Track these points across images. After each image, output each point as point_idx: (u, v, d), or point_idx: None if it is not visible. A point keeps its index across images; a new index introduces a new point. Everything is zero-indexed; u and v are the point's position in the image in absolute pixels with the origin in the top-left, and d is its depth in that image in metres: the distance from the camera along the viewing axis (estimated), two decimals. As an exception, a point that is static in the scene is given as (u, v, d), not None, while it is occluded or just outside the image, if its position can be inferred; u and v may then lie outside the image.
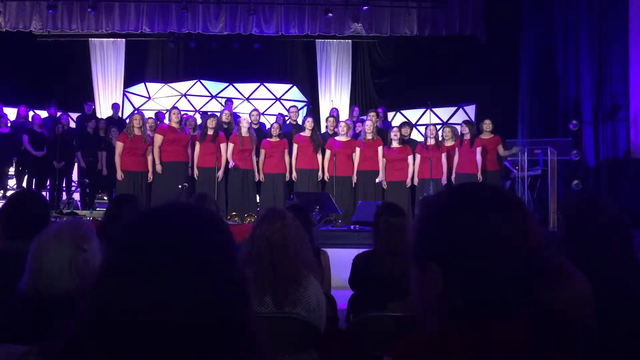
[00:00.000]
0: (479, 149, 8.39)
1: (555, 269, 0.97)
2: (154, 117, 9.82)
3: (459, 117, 11.36)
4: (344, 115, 11.56)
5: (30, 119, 10.22)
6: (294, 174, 8.55)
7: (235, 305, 0.91)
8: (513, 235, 0.95)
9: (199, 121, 9.71)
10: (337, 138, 8.67)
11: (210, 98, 12.70)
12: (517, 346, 0.92)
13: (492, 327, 0.94)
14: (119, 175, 8.22)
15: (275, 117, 10.70)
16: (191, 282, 0.87)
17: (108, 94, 13.07)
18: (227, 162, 8.44)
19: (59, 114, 10.64)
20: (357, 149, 8.58)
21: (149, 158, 8.34)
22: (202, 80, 12.83)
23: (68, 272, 1.80)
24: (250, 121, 8.80)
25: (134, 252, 0.89)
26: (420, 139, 9.96)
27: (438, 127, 9.36)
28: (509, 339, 0.92)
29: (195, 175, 8.39)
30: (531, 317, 0.94)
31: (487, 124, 8.64)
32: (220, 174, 8.40)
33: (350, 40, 13.33)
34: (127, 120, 9.00)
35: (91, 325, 0.87)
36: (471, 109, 11.74)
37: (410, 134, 9.53)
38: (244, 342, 0.90)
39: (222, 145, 8.47)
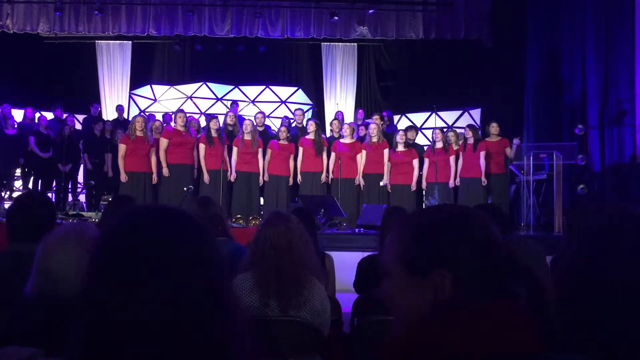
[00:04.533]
0: (482, 153, 8.39)
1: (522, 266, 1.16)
2: (160, 119, 9.86)
3: (465, 120, 11.35)
4: (349, 118, 11.56)
5: (36, 121, 10.26)
6: (299, 177, 8.56)
7: (213, 317, 0.91)
8: (496, 238, 1.14)
9: (202, 123, 9.73)
10: (341, 140, 8.68)
11: (215, 100, 12.72)
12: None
13: (494, 311, 1.05)
14: (123, 177, 8.25)
15: (280, 119, 10.72)
16: (161, 294, 0.88)
17: (114, 96, 13.11)
18: (232, 166, 8.48)
19: (65, 115, 10.67)
20: (363, 152, 8.59)
21: (153, 159, 8.37)
22: (207, 83, 12.85)
23: (76, 274, 1.80)
24: (255, 124, 8.81)
25: (105, 261, 0.92)
26: (425, 142, 9.96)
27: (444, 130, 9.35)
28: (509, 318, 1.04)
29: (206, 180, 8.40)
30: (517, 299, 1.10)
31: (494, 127, 8.63)
32: (229, 175, 8.44)
33: (355, 44, 13.33)
34: (130, 123, 9.03)
35: (90, 334, 0.88)
36: (477, 113, 11.72)
37: (415, 138, 9.52)
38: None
39: (227, 148, 8.51)
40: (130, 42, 13.08)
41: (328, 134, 9.68)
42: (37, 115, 10.38)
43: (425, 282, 1.10)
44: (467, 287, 1.08)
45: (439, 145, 8.62)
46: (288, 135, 8.69)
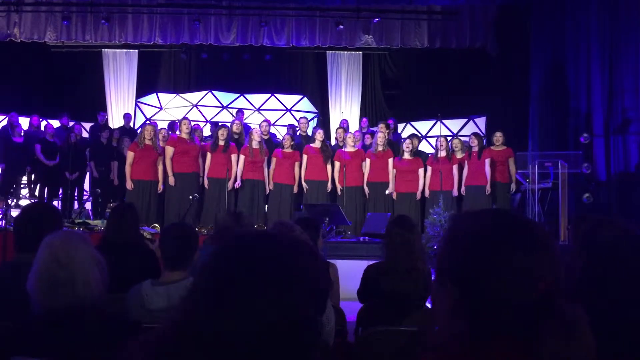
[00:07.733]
0: (487, 161, 8.38)
1: (565, 317, 0.99)
2: (167, 127, 9.89)
3: (470, 129, 11.34)
4: (354, 126, 11.58)
5: (42, 129, 10.31)
6: (304, 185, 8.57)
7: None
8: (528, 278, 0.99)
9: (206, 132, 9.75)
10: (344, 149, 8.70)
11: (221, 109, 12.77)
12: None
13: (491, 352, 0.97)
14: (129, 185, 8.28)
15: (285, 127, 10.73)
16: (267, 315, 0.90)
17: (120, 104, 13.18)
18: (237, 174, 8.48)
19: (71, 123, 10.73)
20: (367, 160, 8.60)
21: (160, 168, 8.40)
22: (213, 91, 12.90)
23: (91, 279, 1.77)
24: (261, 132, 8.83)
25: (219, 280, 0.93)
26: (429, 150, 9.96)
27: (449, 139, 9.36)
28: None
29: (205, 186, 8.43)
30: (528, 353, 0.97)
31: (498, 137, 8.63)
32: (230, 184, 8.43)
33: (360, 52, 13.37)
34: (139, 131, 9.07)
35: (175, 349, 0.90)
36: (482, 121, 11.71)
37: (418, 146, 9.53)
38: None
39: (233, 156, 8.51)
40: (136, 50, 13.16)
41: (333, 142, 9.69)
42: (44, 123, 10.43)
43: (442, 291, 1.06)
44: (467, 312, 1.01)
45: (442, 153, 8.62)
46: (292, 143, 8.71)
